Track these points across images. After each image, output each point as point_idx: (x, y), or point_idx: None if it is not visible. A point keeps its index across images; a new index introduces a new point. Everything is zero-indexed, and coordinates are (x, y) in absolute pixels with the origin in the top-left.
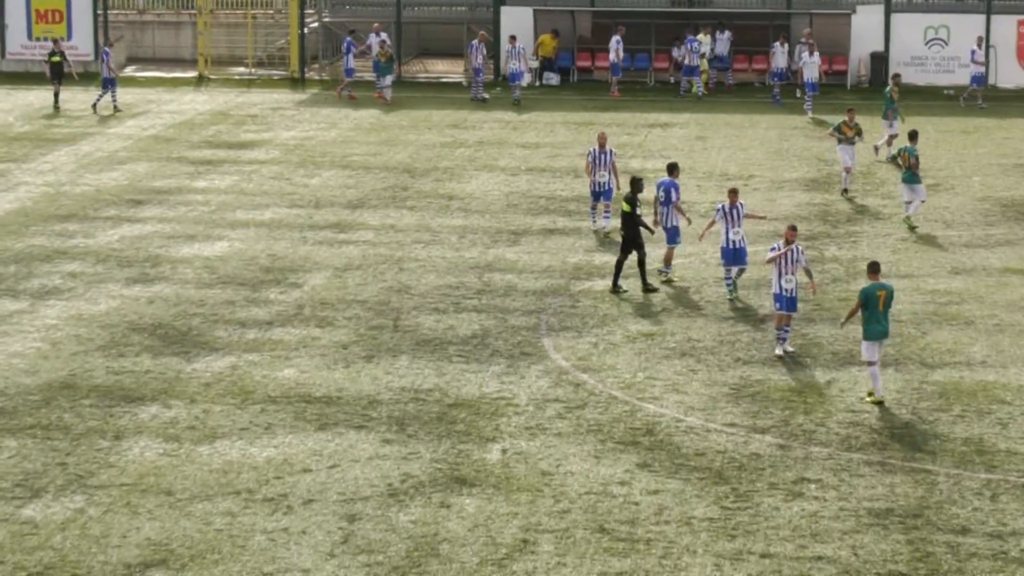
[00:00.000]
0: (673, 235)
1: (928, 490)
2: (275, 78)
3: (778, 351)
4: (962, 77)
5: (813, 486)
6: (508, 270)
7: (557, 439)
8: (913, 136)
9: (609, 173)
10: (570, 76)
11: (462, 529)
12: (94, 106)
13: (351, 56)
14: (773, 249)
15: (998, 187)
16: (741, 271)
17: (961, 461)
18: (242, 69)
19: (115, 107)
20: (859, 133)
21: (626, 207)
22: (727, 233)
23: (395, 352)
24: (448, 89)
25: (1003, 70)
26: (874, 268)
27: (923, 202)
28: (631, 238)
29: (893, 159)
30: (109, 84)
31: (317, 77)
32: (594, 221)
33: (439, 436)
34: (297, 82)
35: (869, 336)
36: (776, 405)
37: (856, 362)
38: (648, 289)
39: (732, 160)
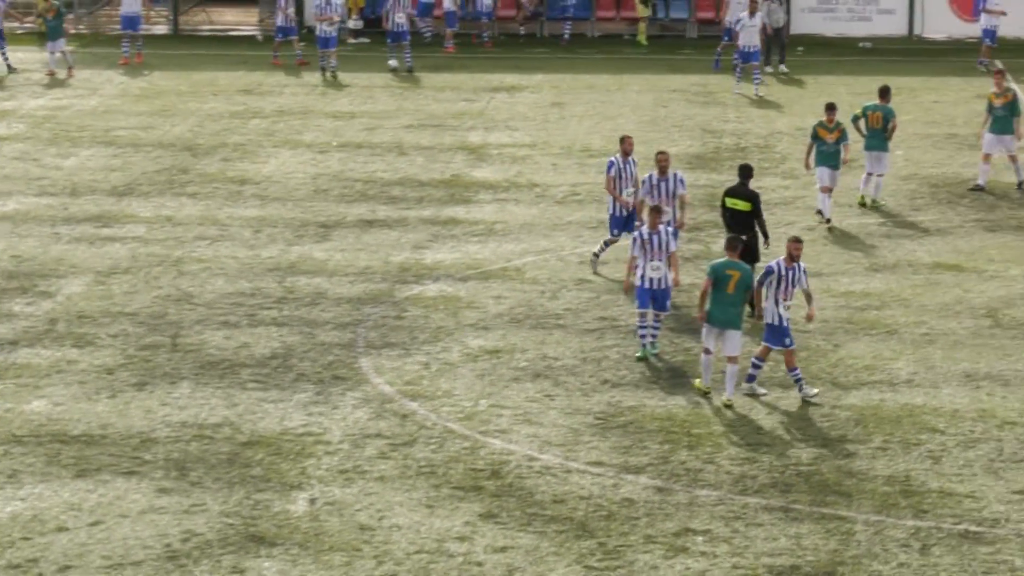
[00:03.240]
0: None
1: (843, 542)
2: (19, 32)
3: (809, 393)
4: (881, 26)
5: (700, 539)
6: (316, 272)
7: (379, 484)
8: (884, 93)
9: (673, 209)
10: None
11: None
12: (8, 66)
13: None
14: (769, 271)
15: (926, 163)
16: (658, 318)
17: (883, 505)
18: None
19: (8, 66)
20: (843, 137)
21: (742, 204)
22: (643, 267)
23: (174, 378)
24: (238, 45)
25: (931, 17)
26: (732, 244)
27: (882, 176)
28: (745, 243)
29: (856, 121)
30: None
31: (73, 30)
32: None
33: (230, 483)
34: (47, 36)
35: (709, 320)
36: (653, 438)
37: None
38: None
39: (596, 131)
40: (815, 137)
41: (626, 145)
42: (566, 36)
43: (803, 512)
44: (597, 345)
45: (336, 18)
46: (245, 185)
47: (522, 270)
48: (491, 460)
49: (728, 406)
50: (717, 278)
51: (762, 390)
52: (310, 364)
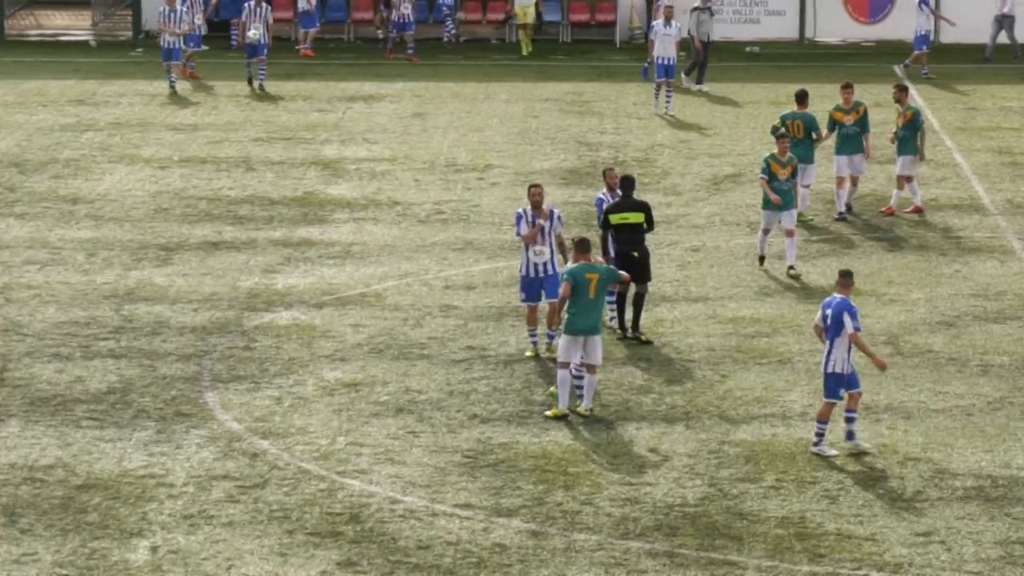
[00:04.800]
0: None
1: None
2: None
3: (860, 445)
4: (769, 29)
5: None
6: (157, 299)
7: (227, 531)
8: (802, 98)
9: (550, 248)
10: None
11: None
12: None
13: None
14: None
15: (820, 177)
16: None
17: (776, 549)
18: None
19: None
20: (796, 172)
21: (635, 217)
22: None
23: (1, 415)
24: (70, 51)
25: (824, 20)
26: (583, 247)
27: (808, 187)
28: (638, 260)
29: (776, 131)
30: None
31: None
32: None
33: (64, 530)
34: None
35: (570, 329)
36: (526, 478)
37: (634, 416)
38: (640, 338)
39: (462, 145)
40: (767, 172)
41: (609, 178)
42: (447, 38)
43: (690, 557)
44: (465, 377)
45: (178, 31)
46: (78, 204)
47: (382, 296)
48: (350, 503)
49: (585, 416)
50: (576, 283)
51: (832, 451)
52: (151, 399)
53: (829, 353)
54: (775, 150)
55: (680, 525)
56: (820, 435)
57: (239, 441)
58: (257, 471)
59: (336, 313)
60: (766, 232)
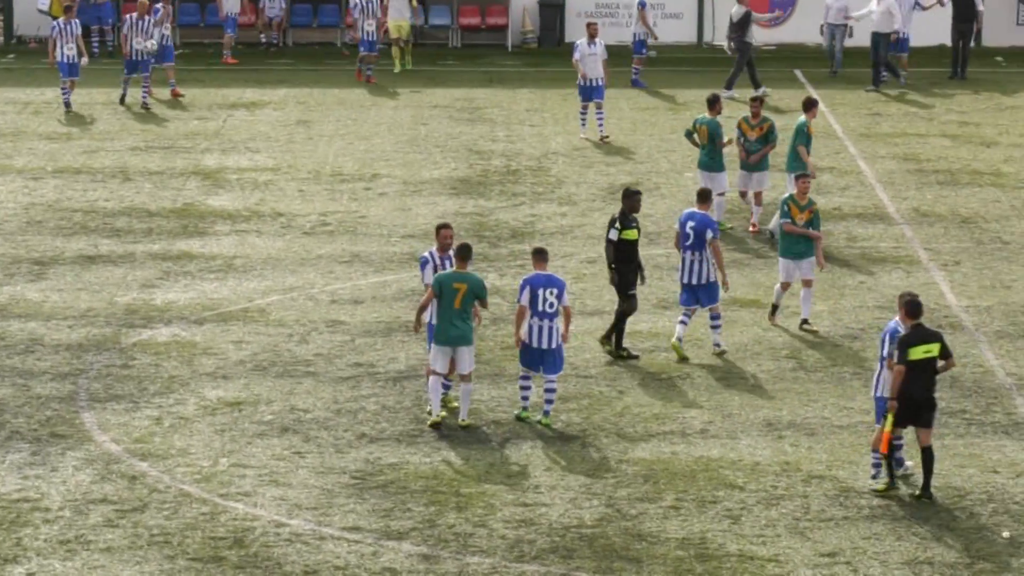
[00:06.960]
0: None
1: None
2: None
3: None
4: (666, 32)
5: None
6: (30, 316)
7: (106, 556)
8: (712, 103)
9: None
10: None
11: None
12: None
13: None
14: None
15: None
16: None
17: (676, 571)
18: None
19: None
20: (815, 219)
21: (631, 234)
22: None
23: None
24: None
25: (722, 22)
26: (463, 253)
27: (722, 195)
28: (627, 279)
29: (690, 135)
30: None
31: None
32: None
33: None
34: None
35: (436, 339)
36: (417, 499)
37: (529, 435)
38: (621, 355)
39: (348, 153)
40: (787, 216)
41: (444, 237)
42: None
43: None
44: (352, 395)
45: (145, 42)
46: None
47: (266, 311)
48: (233, 527)
49: (465, 427)
50: (442, 291)
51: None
52: (25, 420)
53: (878, 376)
54: (793, 191)
55: (577, 547)
56: (876, 467)
57: (117, 463)
58: (136, 494)
59: (218, 329)
60: (784, 287)
